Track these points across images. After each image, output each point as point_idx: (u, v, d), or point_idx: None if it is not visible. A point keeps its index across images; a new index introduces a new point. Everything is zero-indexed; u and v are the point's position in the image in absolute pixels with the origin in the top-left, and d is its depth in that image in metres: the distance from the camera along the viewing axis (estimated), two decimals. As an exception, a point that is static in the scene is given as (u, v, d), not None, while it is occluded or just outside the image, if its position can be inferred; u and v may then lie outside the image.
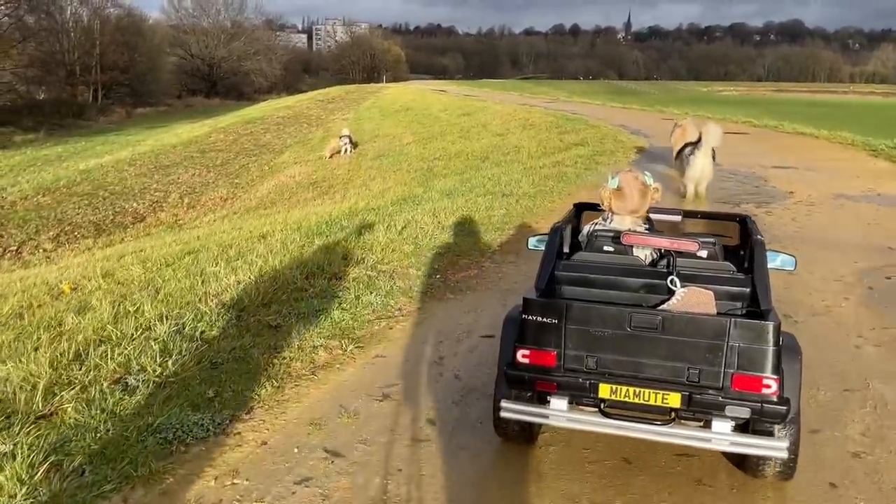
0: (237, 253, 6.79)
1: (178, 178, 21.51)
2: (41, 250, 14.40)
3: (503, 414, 3.02)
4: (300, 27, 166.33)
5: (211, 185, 21.05)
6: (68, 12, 49.21)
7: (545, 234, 3.50)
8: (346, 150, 21.72)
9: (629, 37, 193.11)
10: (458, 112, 28.59)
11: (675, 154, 10.04)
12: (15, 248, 14.57)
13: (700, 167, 9.23)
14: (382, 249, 6.57)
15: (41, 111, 39.80)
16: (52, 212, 17.67)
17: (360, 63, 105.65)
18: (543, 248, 3.33)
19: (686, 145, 9.58)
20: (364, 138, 26.34)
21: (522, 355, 2.90)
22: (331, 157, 21.69)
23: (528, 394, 3.04)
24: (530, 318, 2.89)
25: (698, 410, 2.77)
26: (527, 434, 3.27)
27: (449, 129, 23.89)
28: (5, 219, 16.81)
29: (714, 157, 9.39)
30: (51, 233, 15.81)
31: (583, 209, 3.92)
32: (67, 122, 39.74)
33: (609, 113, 25.50)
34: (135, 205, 18.51)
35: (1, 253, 14.18)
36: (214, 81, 73.59)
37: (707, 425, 2.88)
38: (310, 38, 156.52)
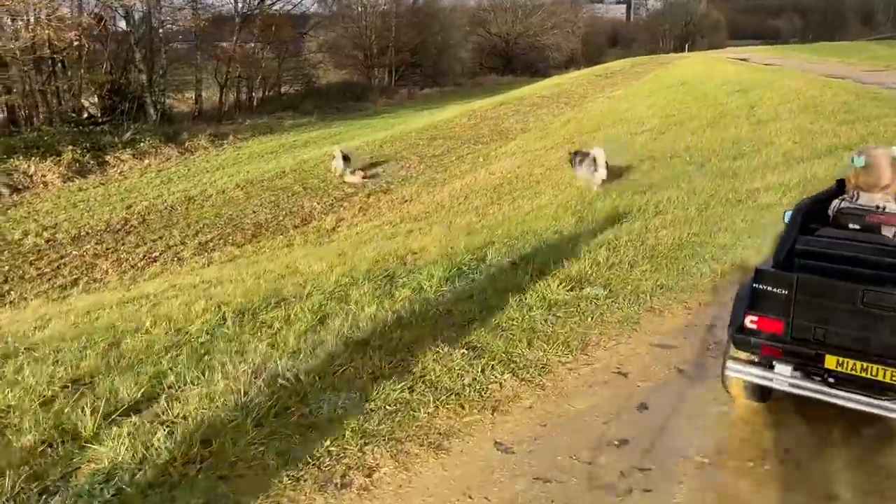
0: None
1: (388, 172, 19.70)
2: (175, 260, 13.29)
3: (727, 373, 3.31)
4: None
5: (409, 181, 18.80)
6: (366, -4, 51.09)
7: None
8: (342, 172, 19.13)
9: None
10: (734, 88, 22.70)
11: None
12: (156, 254, 13.69)
13: None
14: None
15: (325, 95, 41.50)
16: (233, 209, 16.87)
17: (672, 31, 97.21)
18: None
19: None
20: (606, 122, 22.12)
21: (751, 321, 3.11)
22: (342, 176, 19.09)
23: (756, 357, 3.23)
24: (761, 287, 3.06)
25: None
26: (757, 395, 3.48)
27: (704, 113, 18.66)
28: (182, 216, 16.32)
29: None
30: (209, 235, 14.78)
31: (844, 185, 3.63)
32: (348, 105, 40.78)
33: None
34: (315, 203, 16.96)
35: (139, 260, 13.37)
36: (510, 58, 72.55)
37: None
38: (629, 8, 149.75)
